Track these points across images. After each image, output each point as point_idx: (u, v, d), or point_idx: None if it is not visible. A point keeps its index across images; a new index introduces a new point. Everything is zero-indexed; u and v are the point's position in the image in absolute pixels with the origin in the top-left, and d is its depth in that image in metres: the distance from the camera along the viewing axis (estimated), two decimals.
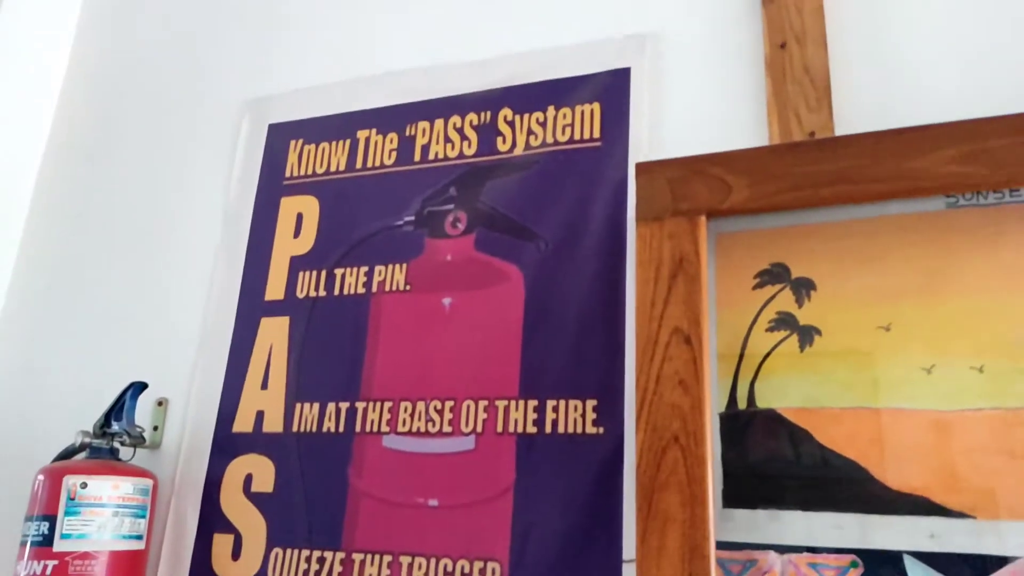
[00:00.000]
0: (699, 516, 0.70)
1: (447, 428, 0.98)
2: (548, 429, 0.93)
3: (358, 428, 1.02)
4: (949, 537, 0.71)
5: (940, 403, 0.75)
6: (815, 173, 0.79)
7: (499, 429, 0.95)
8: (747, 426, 0.81)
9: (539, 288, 0.99)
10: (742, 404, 0.82)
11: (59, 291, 1.29)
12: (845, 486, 0.76)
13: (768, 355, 0.82)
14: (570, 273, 0.97)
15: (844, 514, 0.75)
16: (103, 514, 0.96)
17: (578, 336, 0.95)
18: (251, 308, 1.14)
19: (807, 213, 0.83)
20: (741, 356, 0.83)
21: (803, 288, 0.83)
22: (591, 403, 0.92)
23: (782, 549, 0.76)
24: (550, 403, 0.94)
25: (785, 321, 0.83)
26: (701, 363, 0.75)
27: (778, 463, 0.79)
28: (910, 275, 0.79)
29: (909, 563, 0.71)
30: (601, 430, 0.90)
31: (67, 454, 1.04)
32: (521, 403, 0.95)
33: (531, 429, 0.94)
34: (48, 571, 0.93)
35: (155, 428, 1.12)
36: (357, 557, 0.96)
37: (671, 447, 0.73)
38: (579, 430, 0.91)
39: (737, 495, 0.79)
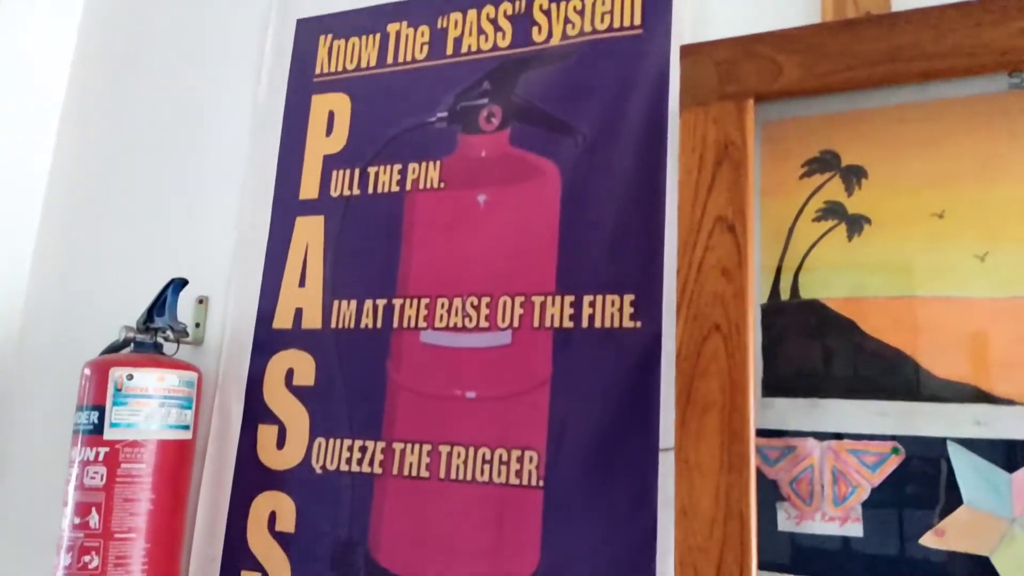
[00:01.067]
0: (739, 402, 0.70)
1: (483, 323, 0.98)
2: (585, 324, 0.93)
3: (395, 324, 1.03)
4: (995, 423, 0.70)
5: (992, 291, 0.73)
6: (871, 51, 0.75)
7: (535, 324, 0.95)
8: (790, 317, 0.80)
9: (576, 183, 0.97)
10: (785, 295, 0.81)
11: (97, 192, 1.30)
12: (889, 374, 0.75)
13: (814, 245, 0.80)
14: (608, 167, 0.95)
15: (887, 402, 0.74)
16: (150, 405, 0.99)
17: (616, 231, 0.93)
18: (286, 207, 1.14)
19: (860, 96, 0.79)
20: (786, 247, 0.81)
21: (853, 176, 0.80)
22: (628, 298, 0.91)
23: (822, 436, 0.76)
24: (587, 298, 0.93)
25: (833, 210, 0.80)
26: (745, 252, 0.73)
27: (820, 353, 0.78)
28: (967, 160, 0.76)
29: (953, 449, 0.71)
30: (639, 324, 0.89)
31: (113, 349, 1.06)
32: (558, 298, 0.95)
33: (567, 324, 0.94)
34: (100, 457, 0.97)
35: (197, 325, 1.14)
36: (397, 446, 0.98)
37: (712, 335, 0.72)
38: (616, 324, 0.91)
39: (777, 384, 0.79)
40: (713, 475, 0.69)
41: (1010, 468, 0.69)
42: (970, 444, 0.71)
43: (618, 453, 0.87)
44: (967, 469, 0.70)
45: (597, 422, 0.89)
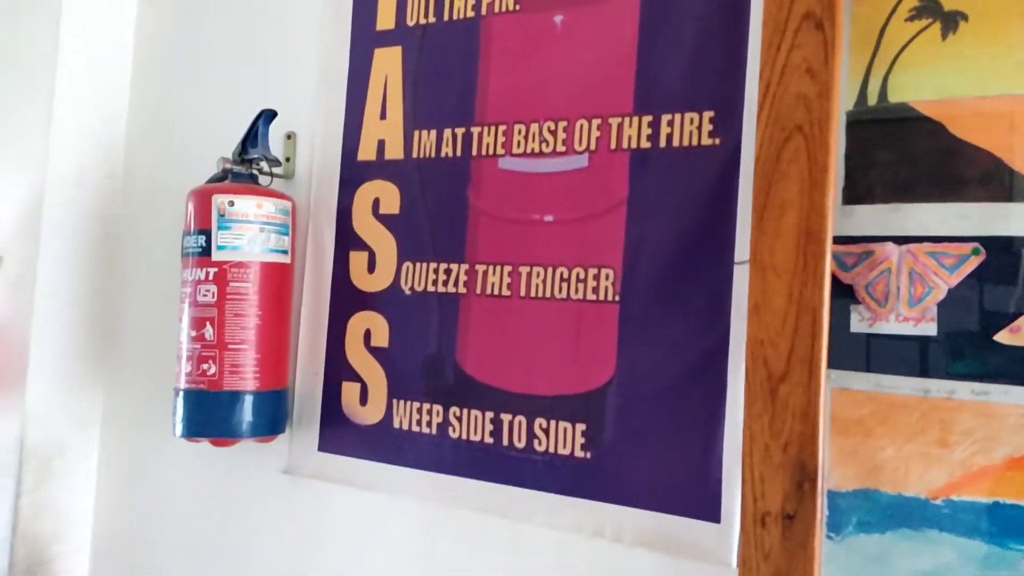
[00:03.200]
0: (818, 202, 0.71)
1: (560, 148, 0.99)
2: (663, 143, 0.93)
3: (474, 152, 1.05)
4: None
5: None
6: None
7: (612, 146, 0.96)
8: (876, 122, 0.78)
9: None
10: (872, 100, 0.79)
11: (188, 31, 1.34)
12: (977, 177, 0.73)
13: (906, 46, 0.77)
14: None
15: (971, 204, 0.74)
16: (251, 229, 1.07)
17: (696, 48, 0.91)
18: (364, 39, 1.15)
19: None
20: (876, 49, 0.78)
21: None
22: (708, 114, 0.90)
23: (901, 240, 0.76)
24: (665, 117, 0.93)
25: (928, 8, 0.76)
26: (833, 49, 0.71)
27: (905, 158, 0.77)
28: None
29: None
30: (717, 141, 0.89)
31: (214, 180, 1.13)
32: (635, 119, 0.95)
33: (645, 144, 0.94)
34: (210, 276, 1.06)
35: (286, 159, 1.20)
36: (480, 268, 1.03)
37: (794, 136, 0.72)
38: (695, 142, 0.91)
39: (859, 192, 0.78)
40: (787, 274, 0.71)
41: None
42: None
43: (693, 268, 0.90)
44: None
45: (673, 239, 0.91)
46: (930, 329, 0.75)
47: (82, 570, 1.31)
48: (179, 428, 1.07)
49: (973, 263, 0.73)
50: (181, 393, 1.07)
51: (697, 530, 0.86)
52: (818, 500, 0.69)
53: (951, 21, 0.75)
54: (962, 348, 0.74)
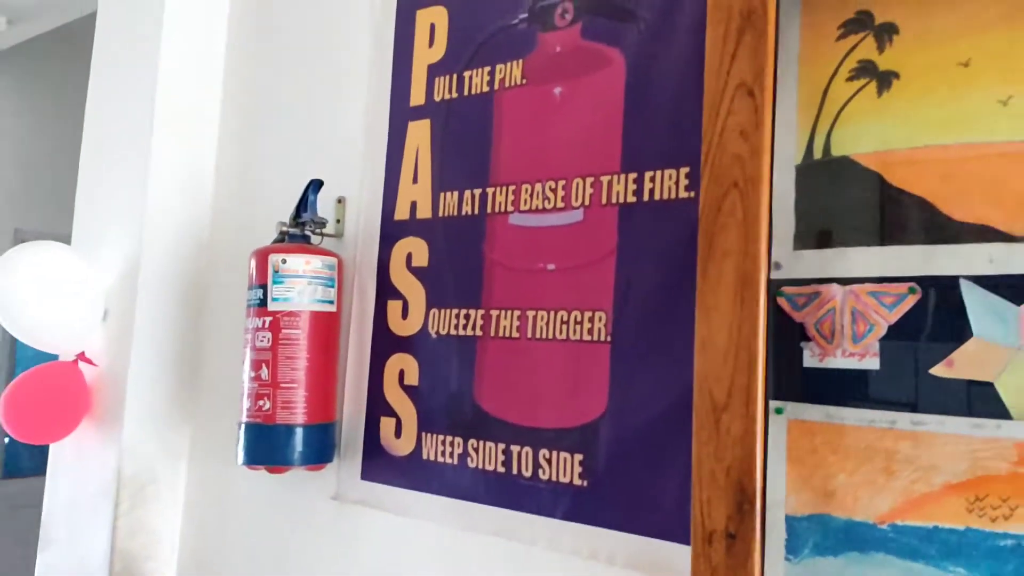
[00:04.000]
0: (752, 250, 0.79)
1: (560, 204, 1.11)
2: (646, 197, 1.03)
3: (489, 210, 1.18)
4: (1008, 260, 0.74)
5: (1013, 134, 0.74)
6: None
7: (603, 201, 1.07)
8: (821, 174, 0.85)
9: (639, 68, 1.05)
10: (818, 154, 0.86)
11: (257, 115, 1.56)
12: (911, 221, 0.79)
13: (845, 104, 0.84)
14: (667, 50, 1.02)
15: (907, 246, 0.79)
16: (300, 283, 1.23)
17: (675, 110, 1.01)
18: (400, 114, 1.31)
19: None
20: (820, 108, 0.86)
21: (885, 33, 0.82)
22: (684, 170, 0.99)
23: (845, 281, 0.83)
24: (648, 174, 1.03)
25: (865, 69, 0.84)
26: (763, 114, 0.80)
27: (848, 205, 0.83)
28: (993, 9, 0.76)
29: (965, 287, 0.75)
30: (693, 194, 0.98)
31: (276, 242, 1.31)
32: (622, 176, 1.05)
33: (631, 199, 1.04)
34: (266, 324, 1.23)
35: (337, 221, 1.37)
36: (494, 313, 1.15)
37: (731, 191, 0.80)
38: (673, 196, 1.00)
39: (807, 238, 0.85)
40: (727, 315, 0.79)
41: (1018, 302, 0.73)
42: (983, 281, 0.75)
43: (676, 309, 0.98)
44: (978, 304, 0.75)
45: (657, 283, 1.00)
46: (873, 364, 0.80)
47: None
48: (241, 457, 1.24)
49: (910, 301, 0.79)
50: (242, 426, 1.24)
51: (681, 553, 0.93)
52: (756, 520, 0.76)
53: (885, 80, 0.82)
54: (902, 381, 0.79)
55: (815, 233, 0.85)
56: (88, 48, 1.71)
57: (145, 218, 1.50)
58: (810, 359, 0.84)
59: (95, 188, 1.65)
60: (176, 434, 1.52)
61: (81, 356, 1.51)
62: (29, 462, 3.44)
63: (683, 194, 0.99)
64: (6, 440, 3.43)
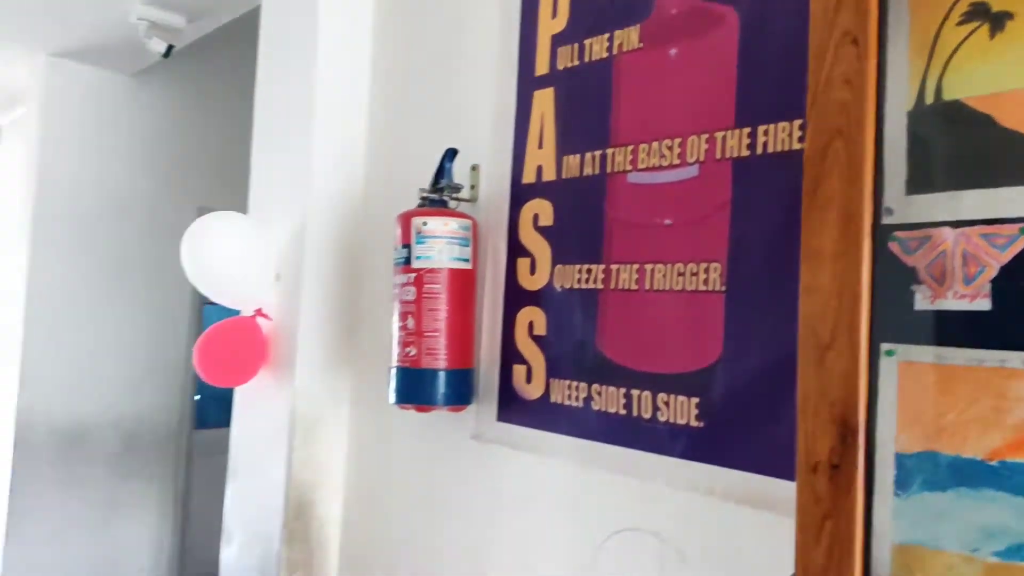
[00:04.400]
0: (855, 196, 0.82)
1: (676, 161, 1.16)
2: (759, 151, 1.06)
3: (609, 170, 1.25)
4: None
5: None
6: None
7: (718, 156, 1.11)
8: (933, 119, 0.86)
9: (751, 24, 1.08)
10: (929, 99, 0.87)
11: (403, 91, 1.70)
12: (1022, 162, 0.79)
13: (957, 49, 0.84)
14: (779, 5, 1.05)
15: (1019, 187, 0.79)
16: (440, 243, 1.36)
17: (786, 64, 1.04)
18: (526, 84, 1.40)
19: None
20: (931, 53, 0.86)
21: None
22: (797, 123, 1.02)
23: (957, 224, 0.84)
24: (761, 128, 1.06)
25: (977, 11, 0.83)
26: (867, 61, 0.82)
27: (959, 149, 0.84)
28: None
29: None
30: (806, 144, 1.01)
31: (418, 206, 1.44)
32: (736, 131, 1.09)
33: (744, 152, 1.08)
34: (411, 280, 1.37)
35: (472, 186, 1.49)
36: (614, 267, 1.23)
37: (835, 138, 0.84)
38: (786, 148, 1.03)
39: (920, 183, 0.87)
40: (831, 259, 0.83)
41: None
42: None
43: (789, 258, 1.02)
44: None
45: (770, 234, 1.04)
46: (984, 304, 0.81)
47: (336, 509, 1.70)
48: (392, 397, 1.40)
49: (1022, 243, 0.79)
50: (393, 370, 1.40)
51: (791, 490, 0.98)
52: (859, 452, 0.80)
53: (999, 22, 0.82)
54: (1012, 321, 0.79)
55: (927, 177, 0.86)
56: (254, 40, 1.93)
57: (309, 191, 1.69)
58: (921, 302, 0.86)
59: (266, 165, 1.87)
60: (339, 379, 1.72)
61: (259, 312, 1.74)
62: (215, 416, 3.90)
63: (796, 146, 1.02)
64: (196, 398, 3.89)
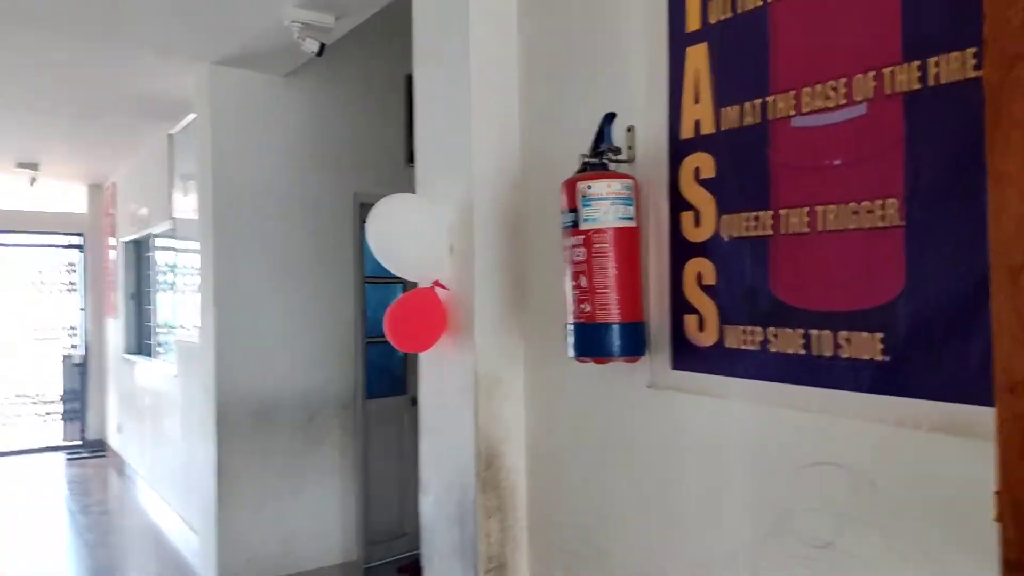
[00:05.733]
0: None
1: (842, 101, 1.17)
2: (931, 82, 1.06)
3: (770, 116, 1.28)
4: None
5: None
6: None
7: (887, 91, 1.11)
8: None
9: None
10: None
11: (557, 62, 1.78)
12: None
13: None
14: None
15: None
16: (604, 205, 1.44)
17: None
18: (678, 42, 1.44)
19: None
20: None
21: None
22: (971, 51, 1.01)
23: None
24: (931, 60, 1.06)
25: None
26: None
27: None
28: None
29: None
30: (981, 73, 1.00)
31: (579, 171, 1.53)
32: (905, 65, 1.09)
33: (915, 86, 1.08)
34: (580, 242, 1.46)
35: (629, 147, 1.55)
36: (783, 212, 1.26)
37: (1017, 63, 0.84)
38: (960, 77, 1.03)
39: None
40: (1019, 181, 0.84)
41: None
42: None
43: (968, 186, 1.02)
44: None
45: (949, 163, 1.04)
46: None
47: (520, 459, 1.84)
48: (571, 351, 1.50)
49: None
50: (570, 327, 1.50)
51: (983, 414, 0.99)
52: None
53: None
54: None
55: None
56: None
57: (472, 167, 1.81)
58: None
59: (429, 146, 2.01)
60: (513, 340, 1.85)
61: (436, 283, 1.89)
62: (379, 388, 4.21)
63: (971, 74, 1.01)
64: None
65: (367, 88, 4.04)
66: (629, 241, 1.46)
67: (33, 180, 6.19)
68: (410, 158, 2.13)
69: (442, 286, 1.89)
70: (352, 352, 4.08)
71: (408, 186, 2.08)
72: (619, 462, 1.60)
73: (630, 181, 1.47)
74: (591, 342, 1.47)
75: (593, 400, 1.67)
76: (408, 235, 1.82)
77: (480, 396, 1.81)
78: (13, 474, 6.71)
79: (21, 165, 5.89)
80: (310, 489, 3.97)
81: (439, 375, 1.96)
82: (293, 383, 3.92)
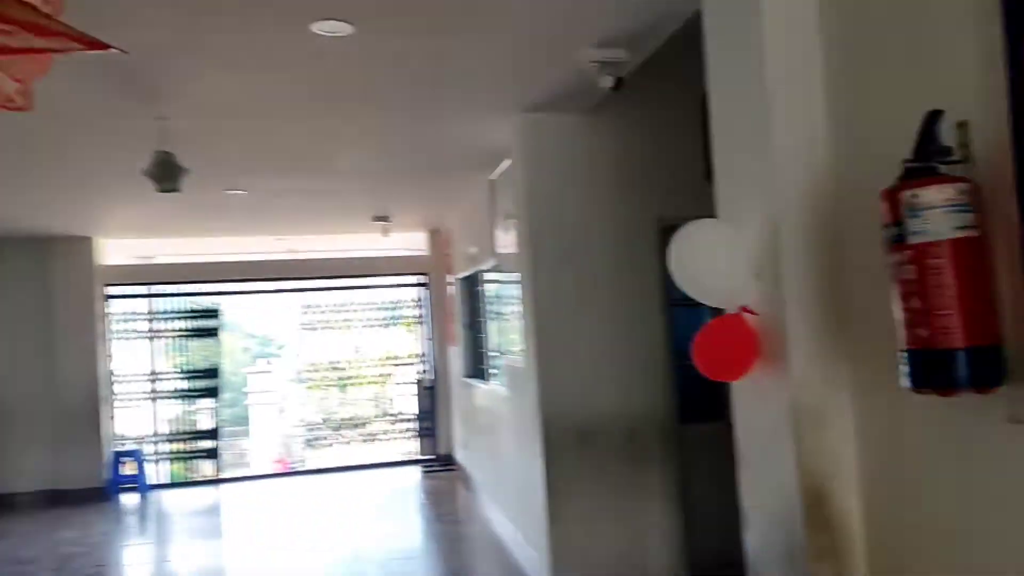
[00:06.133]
0: None
1: None
2: None
3: None
4: None
5: None
6: None
7: None
8: None
9: None
10: None
11: (859, 61, 1.63)
12: None
13: None
14: None
15: None
16: (936, 213, 1.26)
17: None
18: (1017, 24, 1.22)
19: None
20: None
21: None
22: None
23: None
24: None
25: None
26: None
27: None
28: None
29: None
30: None
31: (901, 178, 1.36)
32: None
33: None
34: (907, 258, 1.29)
35: (962, 146, 1.34)
36: None
37: None
38: None
39: None
40: None
41: None
42: None
43: None
44: None
45: None
46: None
47: (853, 499, 1.67)
48: (906, 381, 1.34)
49: None
50: (903, 354, 1.33)
51: None
52: None
53: None
54: None
55: None
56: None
57: (775, 186, 1.72)
58: None
59: (729, 169, 1.95)
60: (836, 368, 1.70)
61: (744, 308, 1.82)
62: (698, 412, 4.15)
63: None
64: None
65: (662, 110, 4.06)
66: (972, 253, 1.27)
67: (387, 231, 7.21)
68: (707, 173, 2.09)
69: (750, 311, 1.81)
70: (663, 374, 4.07)
71: (708, 204, 2.04)
72: (982, 505, 1.38)
73: (966, 185, 1.27)
74: (931, 371, 1.29)
75: (942, 434, 1.46)
76: (709, 261, 1.77)
77: (801, 428, 1.69)
78: (385, 483, 7.84)
79: (376, 219, 6.91)
80: (634, 511, 4.03)
81: (754, 404, 1.88)
82: (609, 405, 4.03)
